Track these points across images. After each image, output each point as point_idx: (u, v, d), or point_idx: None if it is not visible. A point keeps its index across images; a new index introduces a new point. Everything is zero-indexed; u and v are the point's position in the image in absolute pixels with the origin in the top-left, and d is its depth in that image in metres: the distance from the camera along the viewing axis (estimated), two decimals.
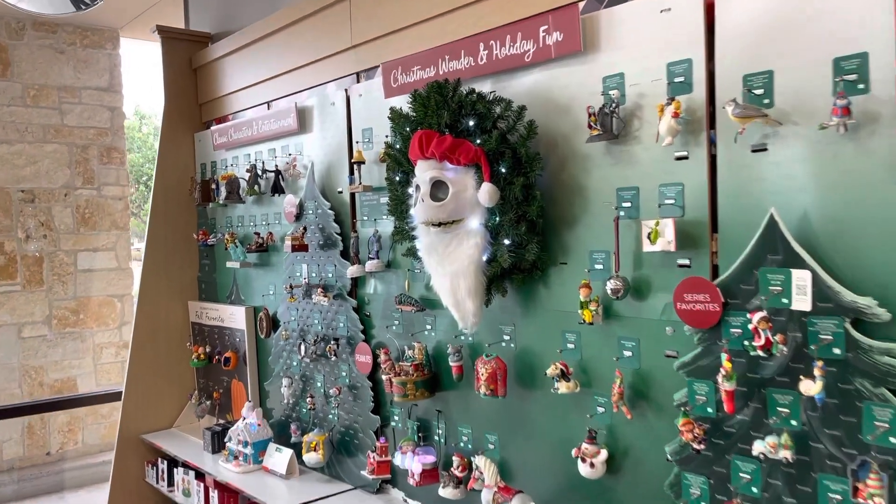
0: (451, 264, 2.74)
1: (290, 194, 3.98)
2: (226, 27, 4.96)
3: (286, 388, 3.97)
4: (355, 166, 3.48)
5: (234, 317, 4.52)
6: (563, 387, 2.53)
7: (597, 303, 2.44)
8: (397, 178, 2.96)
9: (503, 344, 2.87)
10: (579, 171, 2.55)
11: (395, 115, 2.93)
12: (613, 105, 2.34)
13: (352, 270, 3.50)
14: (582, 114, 2.51)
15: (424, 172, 2.72)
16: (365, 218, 3.55)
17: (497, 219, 2.63)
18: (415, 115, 2.81)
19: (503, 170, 2.58)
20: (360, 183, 3.46)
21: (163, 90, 4.93)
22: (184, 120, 4.97)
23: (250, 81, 4.48)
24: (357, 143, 3.54)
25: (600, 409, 2.51)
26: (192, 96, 5.02)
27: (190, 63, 5.00)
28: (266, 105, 4.39)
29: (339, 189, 3.73)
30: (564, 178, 2.60)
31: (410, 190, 2.89)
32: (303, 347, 3.85)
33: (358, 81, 3.66)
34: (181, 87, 4.98)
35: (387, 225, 3.41)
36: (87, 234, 7.55)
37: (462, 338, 3.03)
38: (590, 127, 2.40)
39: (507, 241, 2.62)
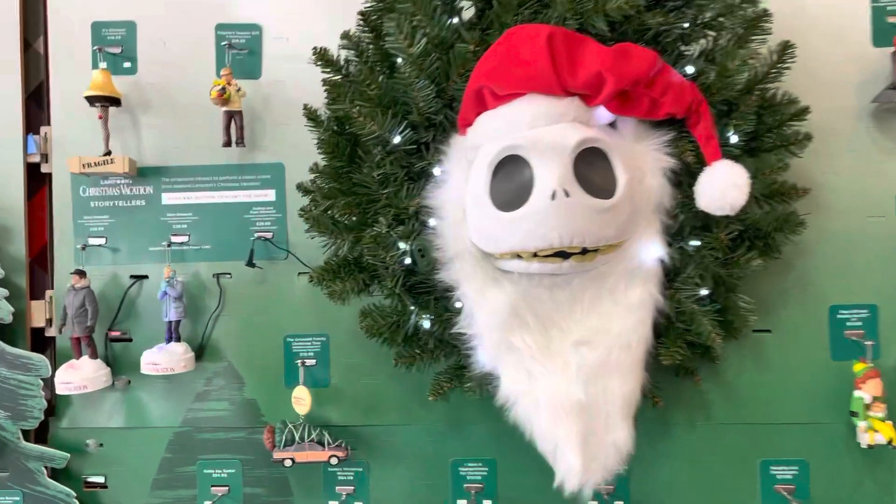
0: (581, 347, 1.18)
1: None
2: None
3: None
4: (92, 107, 1.37)
5: None
6: None
7: (884, 405, 1.31)
8: (396, 141, 1.18)
9: None
10: (816, 160, 1.37)
11: None
12: None
13: (64, 380, 1.35)
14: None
15: (545, 128, 1.11)
16: (100, 242, 1.43)
17: (692, 243, 1.21)
18: None
19: (734, 138, 1.19)
20: (109, 154, 1.37)
21: None
22: None
23: None
24: (96, 52, 1.42)
25: None
26: None
27: None
28: None
29: None
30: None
31: (442, 171, 1.18)
32: None
33: None
34: None
35: (194, 259, 1.43)
36: None
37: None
38: None
39: (704, 291, 1.23)
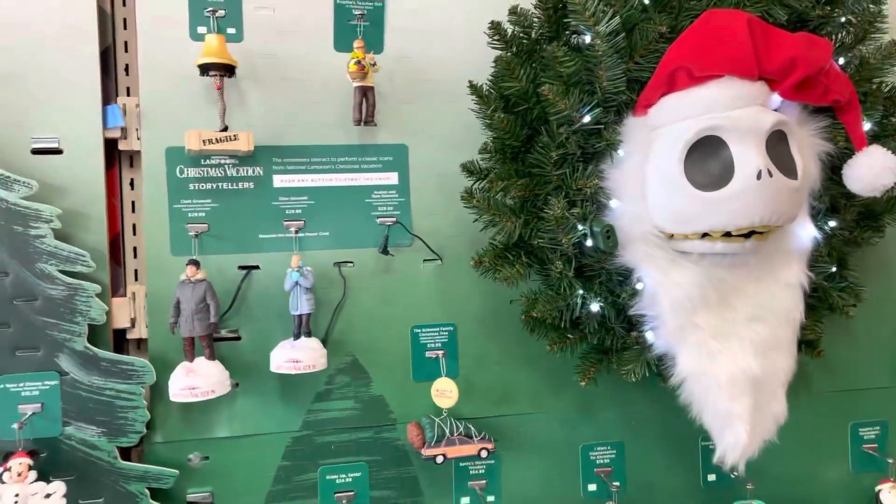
0: (754, 323, 1.23)
1: None
2: None
3: None
4: (204, 76, 1.22)
5: None
6: None
7: None
8: (586, 120, 1.15)
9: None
10: None
11: None
12: None
13: (187, 386, 1.19)
14: None
15: (741, 110, 1.14)
16: (202, 229, 1.27)
17: (831, 223, 1.31)
18: None
19: (866, 125, 1.29)
20: (227, 129, 1.22)
21: None
22: None
23: None
24: (208, 16, 1.25)
25: None
26: None
27: None
28: None
29: (37, 144, 1.24)
30: None
31: (624, 152, 1.18)
32: None
33: None
34: None
35: (311, 247, 1.32)
36: None
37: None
38: None
39: (834, 268, 1.34)
